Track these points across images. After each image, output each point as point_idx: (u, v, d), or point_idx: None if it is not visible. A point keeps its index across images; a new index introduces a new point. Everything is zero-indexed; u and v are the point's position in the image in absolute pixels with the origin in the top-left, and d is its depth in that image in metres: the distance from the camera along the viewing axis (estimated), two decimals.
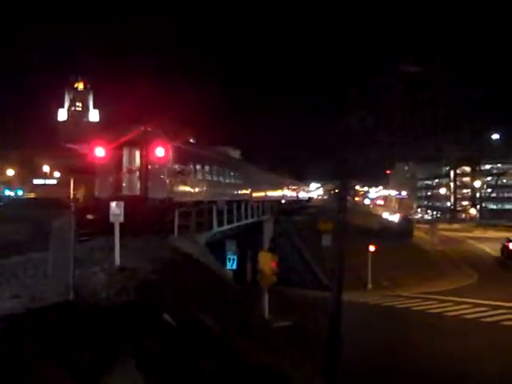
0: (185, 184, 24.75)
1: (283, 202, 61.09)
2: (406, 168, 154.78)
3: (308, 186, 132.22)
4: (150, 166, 22.31)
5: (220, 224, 28.23)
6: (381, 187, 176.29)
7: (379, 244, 42.57)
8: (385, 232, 61.00)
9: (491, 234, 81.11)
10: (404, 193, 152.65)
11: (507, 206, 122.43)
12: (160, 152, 22.31)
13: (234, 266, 26.43)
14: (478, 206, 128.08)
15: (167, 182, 22.54)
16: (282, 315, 24.66)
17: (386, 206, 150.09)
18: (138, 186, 22.31)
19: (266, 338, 12.77)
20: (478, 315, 28.08)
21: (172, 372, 6.50)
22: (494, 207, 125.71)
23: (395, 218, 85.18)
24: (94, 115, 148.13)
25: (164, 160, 22.46)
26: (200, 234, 23.87)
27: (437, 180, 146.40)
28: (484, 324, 26.17)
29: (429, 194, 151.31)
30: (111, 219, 11.90)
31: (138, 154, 22.56)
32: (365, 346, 20.17)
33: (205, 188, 27.79)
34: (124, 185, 22.33)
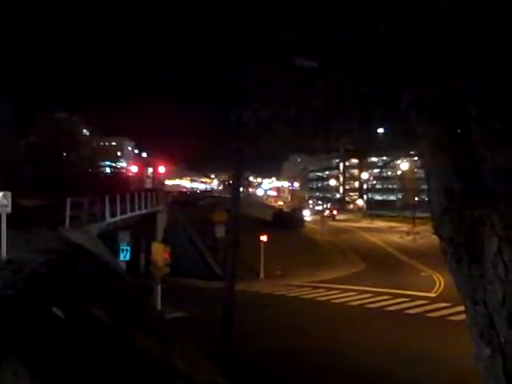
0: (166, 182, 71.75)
1: (177, 192, 72.14)
2: (299, 160, 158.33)
3: (208, 177, 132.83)
4: (156, 175, 71.47)
5: (113, 215, 27.71)
6: (274, 178, 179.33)
7: (271, 234, 43.45)
8: (277, 222, 62.16)
9: (377, 223, 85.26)
10: (296, 184, 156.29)
11: (391, 197, 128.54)
12: (161, 169, 75.21)
13: (128, 257, 25.96)
14: (365, 197, 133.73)
15: (164, 182, 70.51)
16: (175, 306, 24.62)
17: (278, 197, 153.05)
18: (152, 184, 66.17)
19: (158, 330, 12.67)
20: (363, 301, 29.45)
21: (61, 367, 6.30)
22: (380, 198, 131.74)
23: (289, 208, 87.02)
24: None
25: (163, 173, 75.27)
26: (92, 225, 23.31)
27: (327, 172, 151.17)
28: (368, 310, 27.49)
29: (320, 185, 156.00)
30: None
31: (151, 169, 78.00)
32: (256, 333, 20.59)
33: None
34: (145, 184, 65.33)
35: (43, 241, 14.87)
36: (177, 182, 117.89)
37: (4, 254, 11.16)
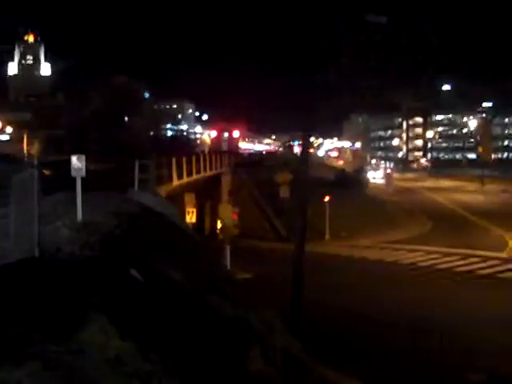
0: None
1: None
2: (360, 120, 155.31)
3: (270, 138, 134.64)
4: (232, 139, 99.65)
5: (179, 177, 27.95)
6: (335, 139, 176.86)
7: (336, 195, 42.97)
8: (339, 183, 61.51)
9: (443, 183, 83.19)
10: (358, 144, 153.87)
11: (457, 156, 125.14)
12: (236, 134, 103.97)
13: (193, 219, 26.31)
14: (430, 156, 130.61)
15: (238, 145, 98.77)
16: (242, 267, 24.85)
17: (340, 158, 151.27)
18: (227, 147, 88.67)
19: (230, 291, 12.77)
20: (432, 262, 28.96)
21: (145, 327, 6.41)
22: (446, 157, 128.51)
23: (351, 169, 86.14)
24: (45, 69, 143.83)
25: (237, 137, 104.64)
26: (159, 187, 23.54)
27: (390, 131, 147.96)
28: (438, 271, 27.04)
29: (382, 145, 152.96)
30: (73, 173, 11.48)
31: (227, 134, 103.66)
32: (326, 294, 20.59)
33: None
34: (222, 146, 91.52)
35: (114, 203, 15.00)
36: (245, 144, 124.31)
37: (80, 216, 11.32)
